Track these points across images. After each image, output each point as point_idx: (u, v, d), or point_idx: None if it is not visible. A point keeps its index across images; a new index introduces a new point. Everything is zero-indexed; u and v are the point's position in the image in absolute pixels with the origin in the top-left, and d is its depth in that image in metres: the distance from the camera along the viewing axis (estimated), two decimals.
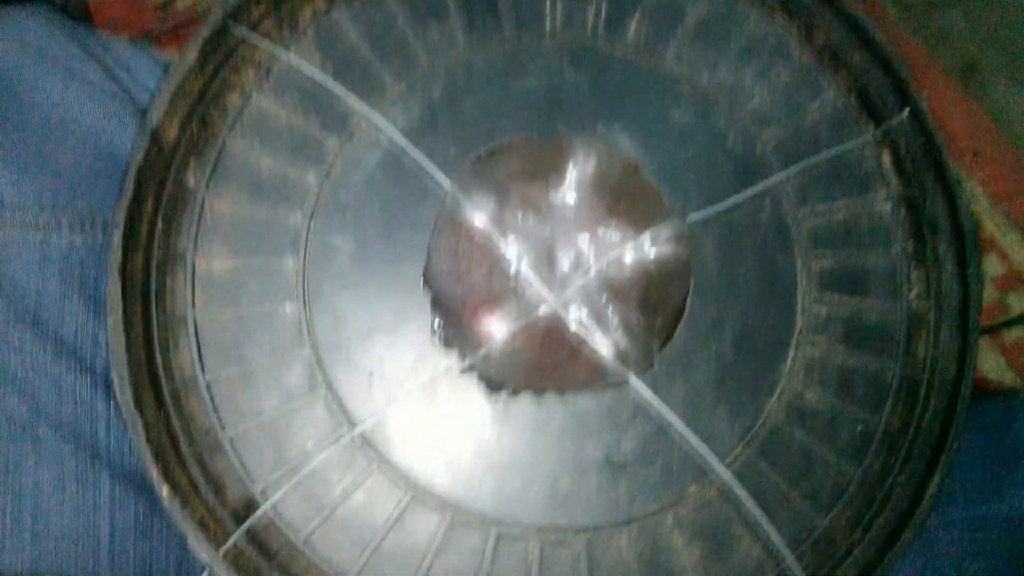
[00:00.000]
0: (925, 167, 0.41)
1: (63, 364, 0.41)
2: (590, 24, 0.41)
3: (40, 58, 0.43)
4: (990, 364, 0.73)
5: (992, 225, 0.81)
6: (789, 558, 0.37)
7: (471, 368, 0.38)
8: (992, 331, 0.77)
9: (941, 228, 0.41)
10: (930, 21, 0.61)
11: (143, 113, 0.40)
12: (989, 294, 0.78)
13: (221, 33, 0.39)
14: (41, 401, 0.41)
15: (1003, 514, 0.42)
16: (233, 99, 0.40)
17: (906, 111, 0.40)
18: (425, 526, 0.37)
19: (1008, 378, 0.73)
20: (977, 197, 0.83)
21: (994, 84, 0.86)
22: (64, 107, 0.43)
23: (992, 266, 0.79)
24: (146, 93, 0.46)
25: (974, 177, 0.84)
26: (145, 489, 0.41)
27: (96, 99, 0.44)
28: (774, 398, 0.39)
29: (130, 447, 0.42)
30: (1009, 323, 0.78)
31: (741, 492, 0.37)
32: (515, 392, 0.38)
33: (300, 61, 0.39)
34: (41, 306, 0.41)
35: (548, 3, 0.41)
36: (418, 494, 0.37)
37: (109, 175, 0.43)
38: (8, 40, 0.43)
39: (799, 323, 0.40)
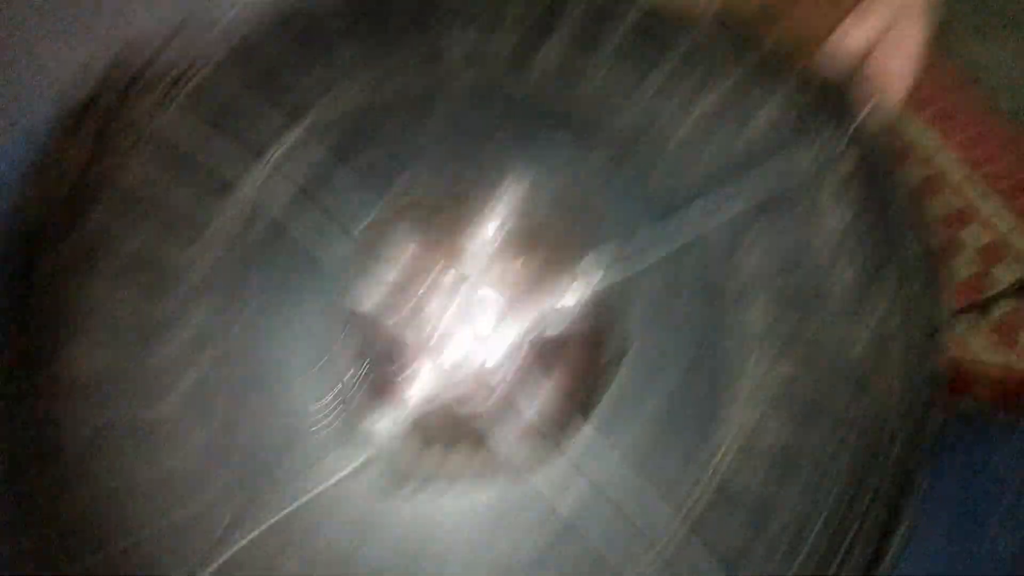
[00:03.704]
0: (877, 185, 0.37)
1: None
2: (496, 60, 0.37)
3: None
4: (979, 344, 0.70)
5: (971, 193, 0.77)
6: None
7: (364, 464, 0.34)
8: (980, 307, 0.73)
9: (899, 251, 0.36)
10: None
11: None
12: (972, 267, 0.75)
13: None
14: None
15: (984, 554, 0.39)
16: (100, 174, 0.36)
17: (854, 124, 0.36)
18: None
19: (1000, 359, 0.69)
20: (952, 165, 0.79)
21: (967, 42, 0.82)
22: None
23: (973, 237, 0.76)
24: None
25: (949, 143, 0.80)
26: None
27: None
28: (712, 468, 0.35)
29: None
30: (997, 297, 0.74)
31: None
32: (419, 487, 0.34)
33: (171, 123, 0.35)
34: None
35: (449, 37, 0.37)
36: None
37: None
38: None
39: (746, 367, 0.36)
